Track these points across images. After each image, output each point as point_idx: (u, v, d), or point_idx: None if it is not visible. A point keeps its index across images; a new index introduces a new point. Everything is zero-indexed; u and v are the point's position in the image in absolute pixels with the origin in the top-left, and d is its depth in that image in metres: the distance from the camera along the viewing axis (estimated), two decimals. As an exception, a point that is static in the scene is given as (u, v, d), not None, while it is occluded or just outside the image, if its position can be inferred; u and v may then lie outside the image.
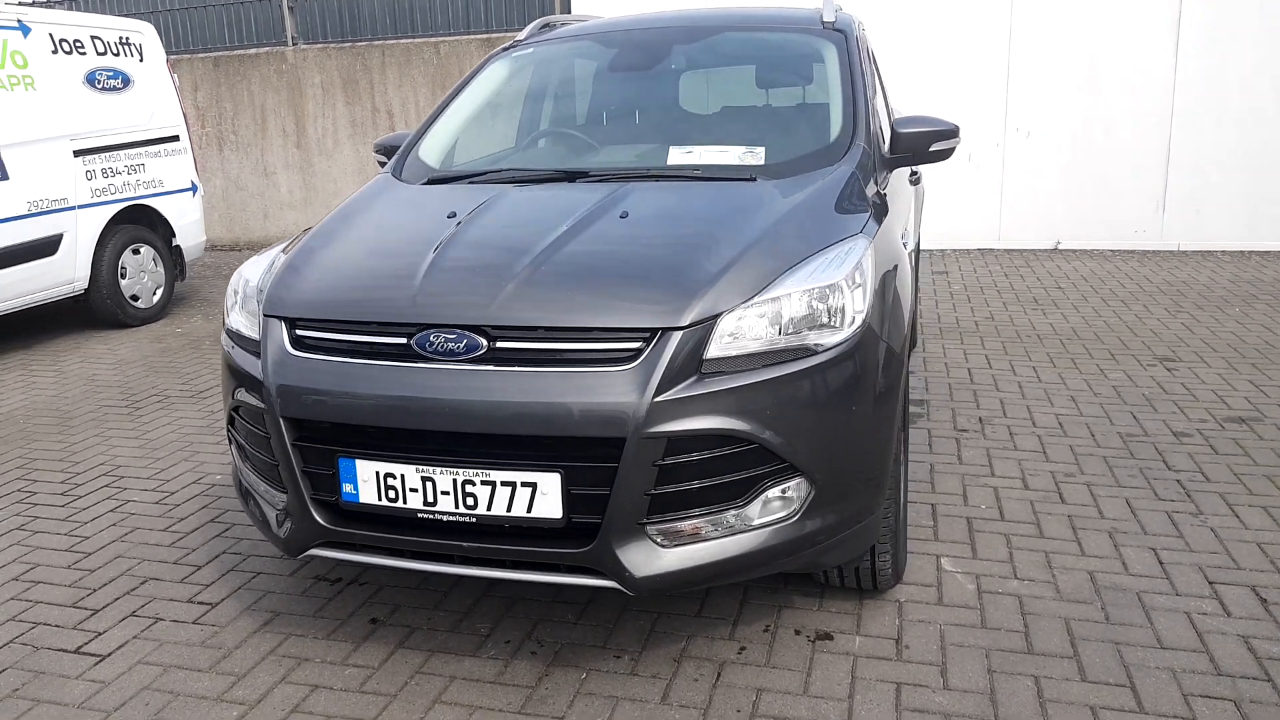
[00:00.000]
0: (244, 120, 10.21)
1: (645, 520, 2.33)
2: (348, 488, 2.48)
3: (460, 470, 2.37)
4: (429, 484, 2.40)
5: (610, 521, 2.31)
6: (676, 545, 2.37)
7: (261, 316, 2.64)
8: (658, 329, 2.32)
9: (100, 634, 2.95)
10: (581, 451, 2.32)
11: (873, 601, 2.99)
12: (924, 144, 3.45)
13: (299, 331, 2.57)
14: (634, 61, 3.86)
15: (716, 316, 2.35)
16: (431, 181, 3.37)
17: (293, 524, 2.58)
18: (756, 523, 2.42)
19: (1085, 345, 5.81)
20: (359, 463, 2.45)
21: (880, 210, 3.05)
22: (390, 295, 2.50)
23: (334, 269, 2.70)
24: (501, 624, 2.92)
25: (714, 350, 2.34)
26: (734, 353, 2.36)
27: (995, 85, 8.77)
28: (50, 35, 6.21)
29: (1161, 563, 3.20)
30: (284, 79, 10.03)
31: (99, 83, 6.52)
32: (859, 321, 2.51)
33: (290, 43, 10.07)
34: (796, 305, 2.44)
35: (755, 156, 3.22)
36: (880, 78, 4.39)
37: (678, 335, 2.31)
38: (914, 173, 5.16)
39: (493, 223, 2.83)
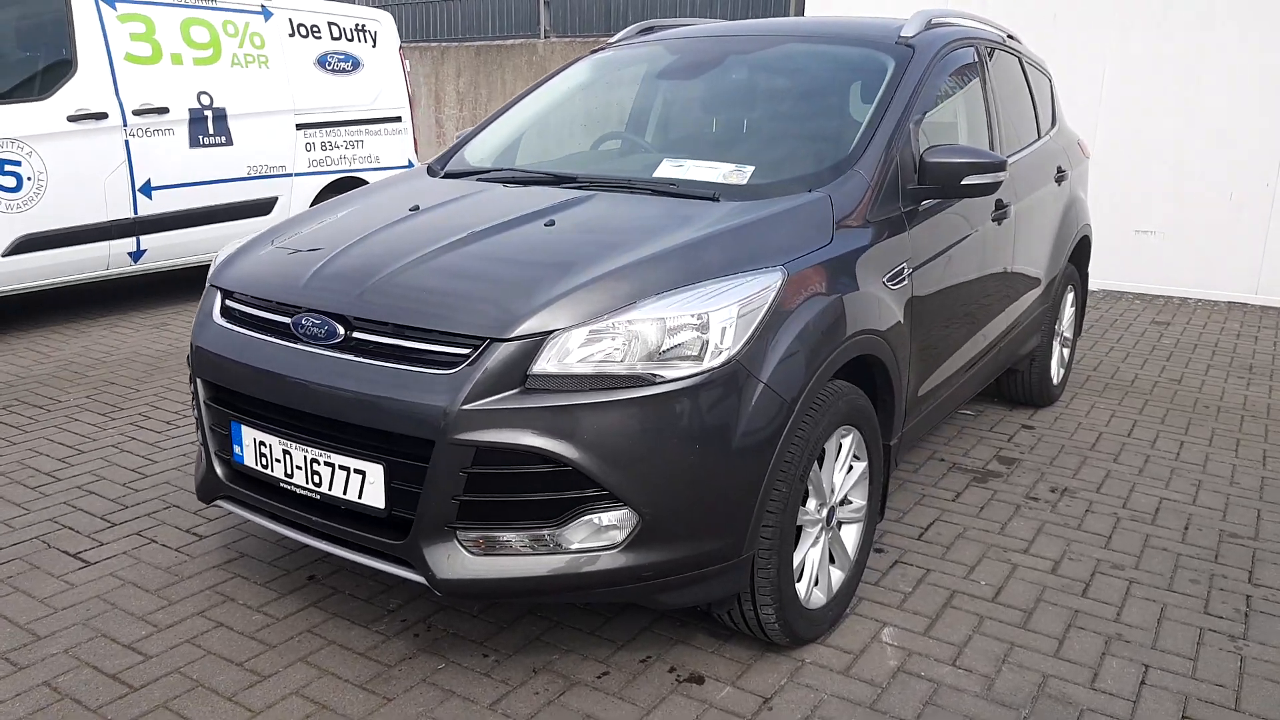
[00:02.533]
0: (496, 105, 10.99)
1: (454, 524, 2.36)
2: (237, 449, 2.70)
3: (310, 449, 2.51)
4: (288, 457, 2.57)
5: (420, 520, 2.36)
6: (487, 555, 2.38)
7: (208, 284, 2.93)
8: (485, 338, 2.33)
9: (102, 544, 3.40)
10: (402, 448, 2.38)
11: (774, 656, 2.81)
12: (954, 176, 3.15)
13: (228, 302, 2.82)
14: (683, 69, 3.81)
15: (549, 333, 2.33)
16: (448, 175, 3.53)
17: (203, 475, 2.85)
18: (575, 546, 2.37)
19: (1269, 426, 4.98)
20: (243, 428, 2.66)
21: (849, 244, 2.84)
22: (292, 278, 2.68)
23: (276, 249, 2.92)
24: (414, 604, 3.05)
25: (545, 366, 2.32)
26: (566, 371, 2.32)
27: (1268, 111, 7.62)
28: (290, 20, 7.05)
29: (1144, 683, 2.75)
30: (533, 68, 10.66)
31: (330, 64, 7.31)
32: (724, 358, 2.38)
33: (543, 35, 10.68)
34: (646, 331, 2.35)
35: (739, 175, 3.09)
36: (993, 101, 4.02)
37: (501, 347, 2.32)
38: (1060, 170, 4.68)
39: (428, 219, 2.95)
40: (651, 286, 2.44)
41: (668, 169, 3.19)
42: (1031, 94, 4.70)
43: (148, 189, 6.28)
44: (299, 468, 2.55)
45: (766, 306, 2.49)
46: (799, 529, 2.77)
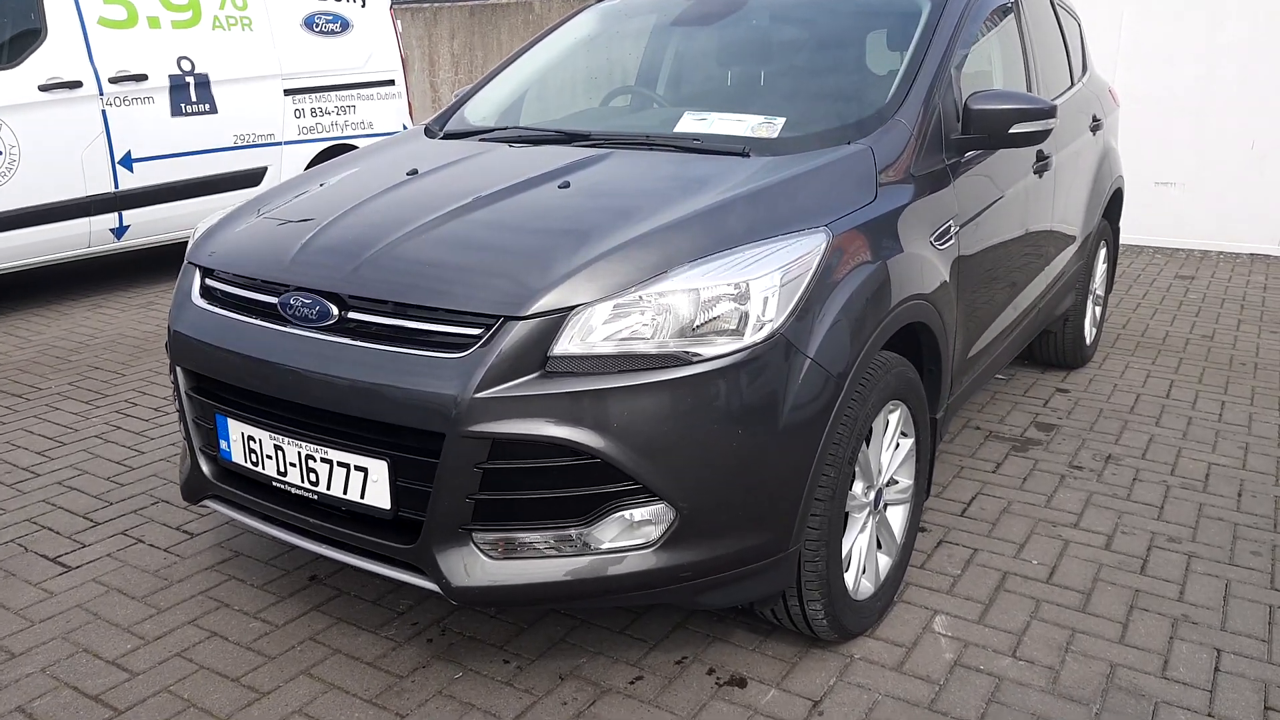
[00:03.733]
0: (493, 67, 10.62)
1: (470, 526, 2.11)
2: (223, 444, 2.45)
3: (304, 443, 2.26)
4: (280, 453, 2.32)
5: (430, 522, 2.11)
6: (508, 558, 2.13)
7: (186, 260, 2.66)
8: (499, 316, 2.07)
9: (85, 546, 3.15)
10: (408, 441, 2.13)
11: (819, 652, 2.58)
12: (1001, 124, 2.88)
13: (208, 281, 2.55)
14: (697, 17, 3.51)
15: (571, 309, 2.07)
16: (448, 136, 3.25)
17: (188, 473, 2.60)
18: (606, 546, 2.13)
19: (1313, 382, 4.75)
20: (230, 421, 2.41)
21: (894, 201, 2.58)
22: (279, 252, 2.42)
23: (262, 219, 2.65)
24: (426, 605, 2.81)
25: (566, 346, 2.06)
26: (590, 352, 2.06)
27: (1297, 59, 7.31)
28: (296, -21, 6.72)
29: (1218, 670, 2.53)
30: (530, 28, 10.29)
31: (317, 26, 6.96)
32: (767, 332, 2.13)
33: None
34: (680, 304, 2.10)
35: (770, 128, 2.82)
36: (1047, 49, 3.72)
37: (517, 326, 2.06)
38: (1095, 120, 4.40)
39: (429, 183, 2.67)
40: (683, 254, 2.18)
41: (690, 123, 2.92)
42: (1064, 38, 4.41)
43: (128, 161, 5.97)
44: (292, 465, 2.29)
45: (811, 272, 2.23)
46: (846, 515, 2.54)
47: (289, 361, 2.24)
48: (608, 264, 2.13)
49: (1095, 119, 4.48)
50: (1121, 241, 7.89)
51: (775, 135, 2.79)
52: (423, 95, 11.23)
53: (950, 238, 2.81)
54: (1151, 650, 2.62)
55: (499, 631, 2.67)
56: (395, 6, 7.71)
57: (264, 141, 6.68)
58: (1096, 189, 4.50)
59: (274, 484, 2.35)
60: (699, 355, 2.08)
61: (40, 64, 5.56)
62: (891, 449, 2.65)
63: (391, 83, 7.51)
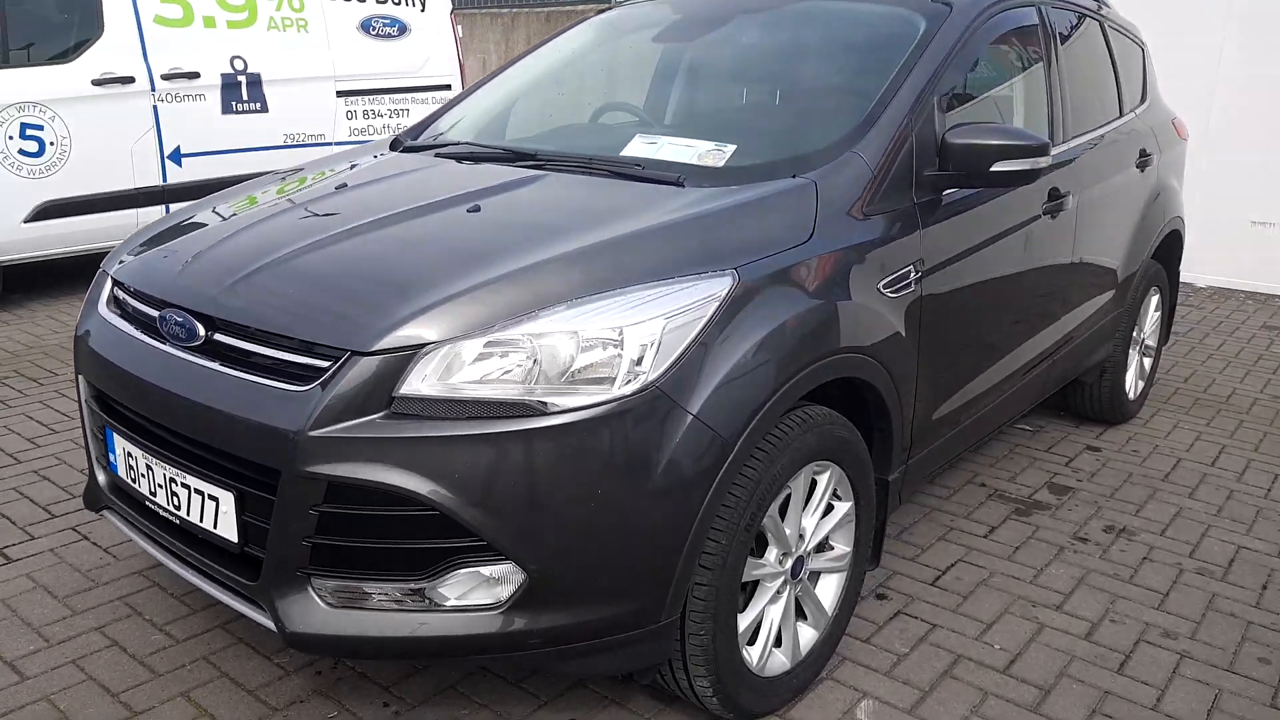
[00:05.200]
0: (568, 75, 10.58)
1: (308, 570, 1.98)
2: (112, 457, 2.38)
3: (168, 466, 2.17)
4: (151, 473, 2.23)
5: (269, 561, 1.99)
6: (347, 607, 1.99)
7: (100, 268, 2.61)
8: (345, 350, 1.94)
9: (33, 539, 3.15)
10: (252, 475, 2.02)
11: (720, 730, 2.37)
12: (981, 161, 2.62)
13: (116, 290, 2.50)
14: (681, 32, 3.33)
15: (420, 347, 1.92)
16: (408, 149, 3.14)
17: (88, 481, 2.55)
18: (451, 604, 1.97)
19: (1386, 459, 4.25)
20: (115, 435, 2.34)
21: (834, 243, 2.36)
22: (170, 266, 2.34)
23: (178, 232, 2.58)
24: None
25: (416, 387, 1.91)
26: (441, 395, 1.91)
27: None
28: (332, -18, 6.77)
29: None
30: (609, 37, 10.20)
31: (374, 29, 7.00)
32: (638, 384, 1.94)
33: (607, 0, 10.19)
34: (551, 348, 1.93)
35: (718, 155, 2.62)
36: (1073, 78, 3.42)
37: (361, 362, 1.92)
38: (1144, 155, 4.04)
39: (345, 199, 2.57)
40: (564, 292, 2.01)
41: (638, 147, 2.74)
42: (1114, 65, 4.06)
43: (177, 156, 6.09)
44: (160, 486, 2.21)
45: (706, 320, 2.04)
46: (753, 584, 2.32)
47: (158, 380, 2.16)
48: (473, 299, 1.97)
49: (1144, 154, 4.10)
50: (1209, 284, 7.33)
51: (721, 164, 2.59)
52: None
53: (908, 284, 2.55)
54: (1103, 763, 2.34)
55: (391, 672, 2.54)
56: (470, 11, 7.71)
57: (314, 141, 6.74)
58: (1143, 230, 4.12)
59: (147, 503, 2.28)
60: (555, 406, 1.91)
61: (95, 59, 5.71)
62: (817, 513, 2.42)
63: (448, 87, 7.50)
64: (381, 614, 1.98)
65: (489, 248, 2.16)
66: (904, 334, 2.54)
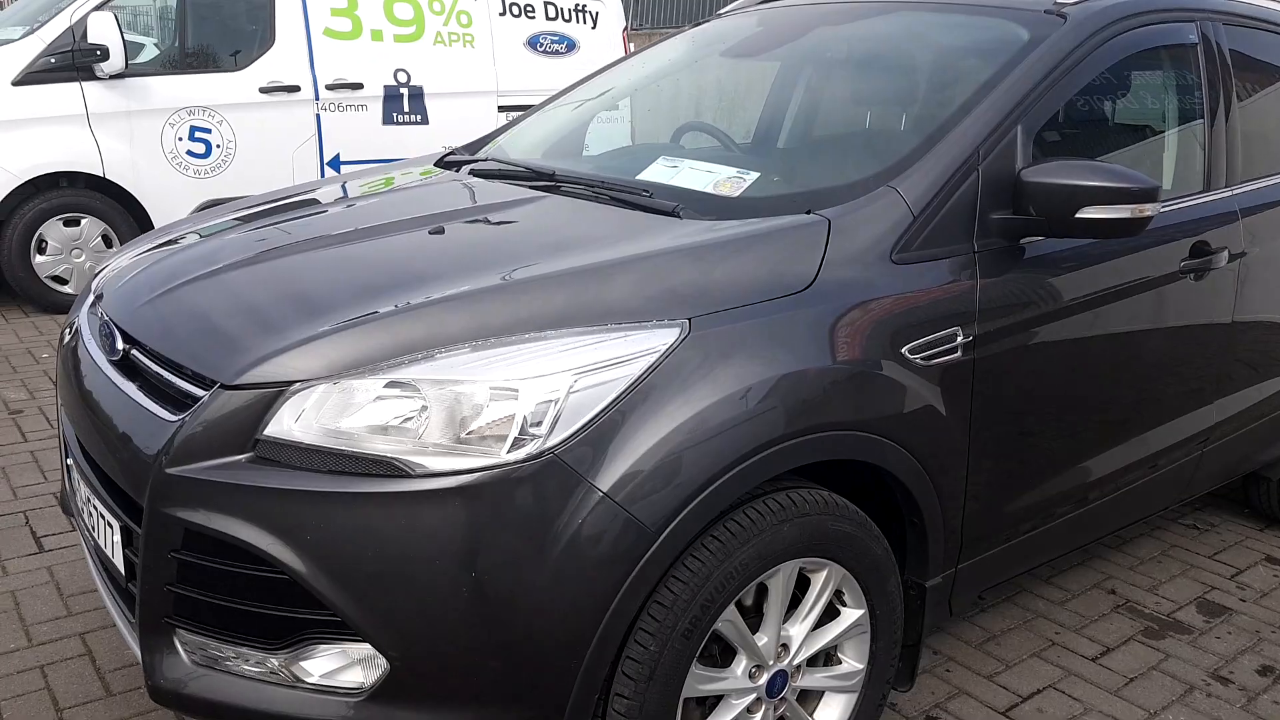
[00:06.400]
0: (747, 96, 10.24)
1: (172, 620, 1.78)
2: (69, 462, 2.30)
3: (85, 485, 2.05)
4: (79, 490, 2.12)
5: (140, 603, 1.81)
6: (209, 668, 1.77)
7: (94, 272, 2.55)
8: (214, 381, 1.73)
9: (70, 531, 3.19)
10: (129, 507, 1.84)
11: None
12: (1064, 204, 2.11)
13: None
14: (752, 47, 2.95)
15: (288, 384, 1.68)
16: (446, 165, 2.94)
17: (61, 486, 2.49)
18: (312, 683, 1.71)
19: None
20: (69, 444, 2.25)
21: (845, 293, 1.95)
22: (123, 275, 2.22)
23: (160, 237, 2.48)
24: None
25: (281, 429, 1.67)
26: (301, 441, 1.66)
27: None
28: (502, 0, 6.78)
29: None
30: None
31: (542, 46, 6.96)
32: (528, 451, 1.62)
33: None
34: (435, 398, 1.64)
35: (737, 184, 2.25)
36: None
37: (224, 396, 1.70)
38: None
39: (320, 218, 2.38)
40: (475, 330, 1.72)
41: (657, 170, 2.41)
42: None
43: (336, 163, 6.25)
44: (85, 503, 2.09)
45: (633, 380, 1.68)
46: (716, 699, 1.93)
47: (76, 389, 2.05)
48: (359, 334, 1.72)
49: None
50: None
51: (735, 194, 2.22)
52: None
53: (952, 348, 2.07)
54: None
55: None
56: (643, 31, 7.56)
57: (474, 155, 6.76)
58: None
59: (79, 521, 2.17)
60: (423, 468, 1.61)
61: (264, 68, 5.95)
62: (807, 620, 2.00)
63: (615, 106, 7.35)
64: (244, 681, 1.74)
65: (410, 277, 1.90)
66: (943, 409, 2.07)
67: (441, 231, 2.14)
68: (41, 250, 5.61)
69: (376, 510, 1.61)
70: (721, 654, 1.94)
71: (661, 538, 1.68)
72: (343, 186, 2.79)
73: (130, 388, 1.91)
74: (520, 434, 1.62)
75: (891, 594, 2.10)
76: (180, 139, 5.72)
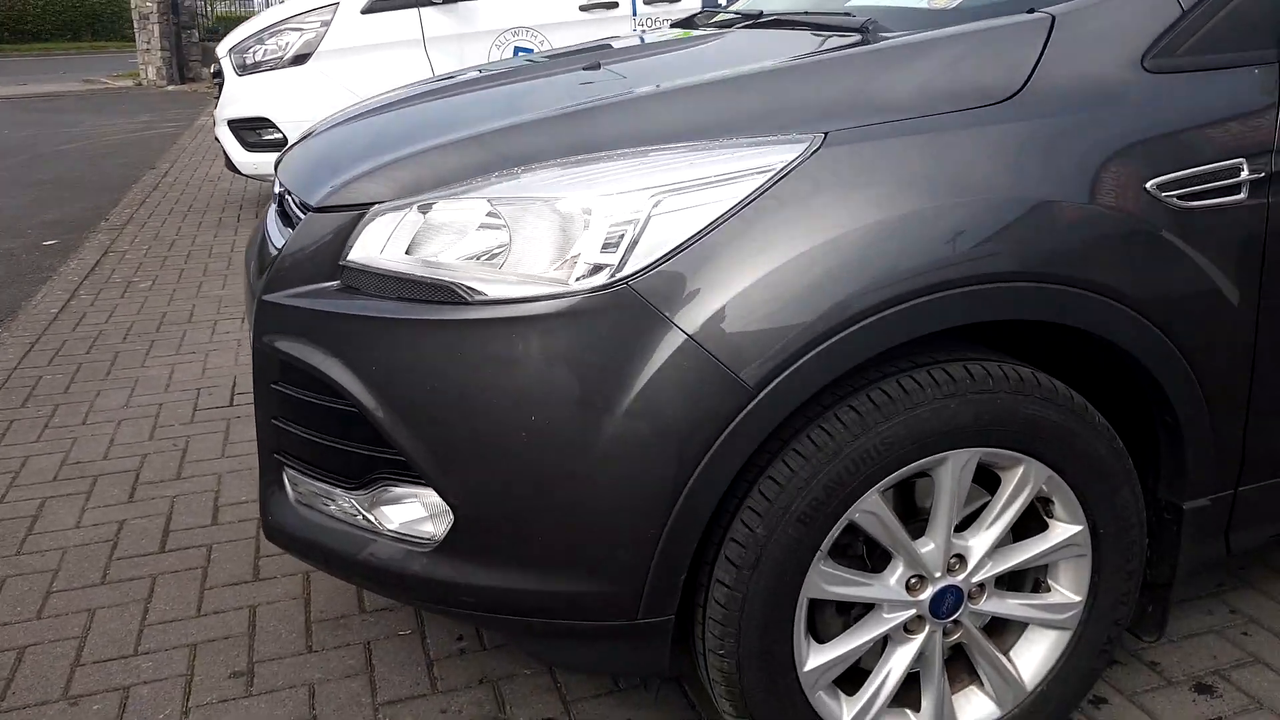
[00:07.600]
0: None
1: (278, 455, 1.73)
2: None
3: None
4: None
5: (257, 439, 1.79)
6: (306, 506, 1.71)
7: None
8: (307, 205, 1.65)
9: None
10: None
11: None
12: None
13: None
14: None
15: (367, 206, 1.54)
16: (676, 24, 2.70)
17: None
18: (391, 530, 1.59)
19: None
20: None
21: (1063, 106, 1.49)
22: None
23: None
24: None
25: (362, 255, 1.54)
26: (377, 266, 1.53)
27: None
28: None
29: None
30: None
31: None
32: (599, 280, 1.37)
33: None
34: (505, 220, 1.45)
35: (952, -5, 1.80)
36: None
37: (307, 218, 1.62)
38: None
39: (510, 72, 2.24)
40: (562, 148, 1.49)
41: (886, -7, 2.01)
42: None
43: (652, 80, 6.22)
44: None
45: (736, 203, 1.36)
46: (866, 607, 1.59)
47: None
48: (442, 155, 1.55)
49: None
50: None
51: (953, 4, 1.77)
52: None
53: (1228, 190, 1.51)
54: None
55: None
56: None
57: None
58: None
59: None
60: (482, 294, 1.41)
61: (590, -13, 6.02)
62: (993, 529, 1.57)
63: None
64: (334, 524, 1.67)
65: (538, 105, 1.70)
66: (1210, 268, 1.52)
67: (597, 67, 1.92)
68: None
69: (434, 339, 1.44)
70: (875, 557, 1.58)
71: (760, 396, 1.36)
72: (561, 53, 2.65)
73: (275, 226, 1.89)
74: (589, 261, 1.37)
75: (1124, 510, 1.60)
76: (506, 58, 5.95)
